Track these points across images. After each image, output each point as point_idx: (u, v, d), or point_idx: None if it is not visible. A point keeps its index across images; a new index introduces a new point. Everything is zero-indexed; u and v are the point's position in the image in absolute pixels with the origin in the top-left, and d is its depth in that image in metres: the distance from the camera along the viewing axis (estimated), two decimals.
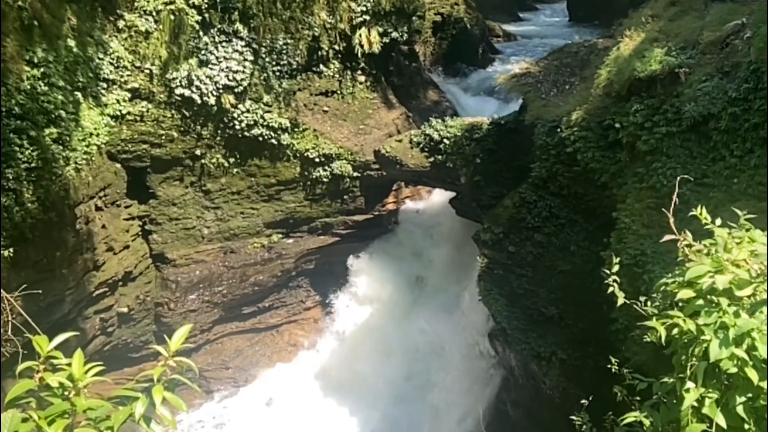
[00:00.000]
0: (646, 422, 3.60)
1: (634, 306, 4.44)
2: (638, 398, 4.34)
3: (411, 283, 24.25)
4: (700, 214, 3.86)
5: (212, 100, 19.09)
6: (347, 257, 23.93)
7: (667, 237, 3.94)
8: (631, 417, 3.72)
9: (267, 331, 23.58)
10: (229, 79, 19.16)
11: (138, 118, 18.47)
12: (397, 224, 24.56)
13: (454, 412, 19.91)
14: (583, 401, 6.02)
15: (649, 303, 4.36)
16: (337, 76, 21.75)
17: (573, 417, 5.77)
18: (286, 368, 23.51)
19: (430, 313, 23.15)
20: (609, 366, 5.99)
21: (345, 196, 22.12)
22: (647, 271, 12.33)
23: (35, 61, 15.43)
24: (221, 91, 19.15)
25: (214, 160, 20.06)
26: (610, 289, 4.65)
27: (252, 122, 19.88)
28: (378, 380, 22.80)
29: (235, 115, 19.63)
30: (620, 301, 4.51)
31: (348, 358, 23.33)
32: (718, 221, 3.84)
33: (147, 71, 18.36)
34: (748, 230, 3.74)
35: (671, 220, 3.93)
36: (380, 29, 21.65)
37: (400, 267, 24.14)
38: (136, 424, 3.09)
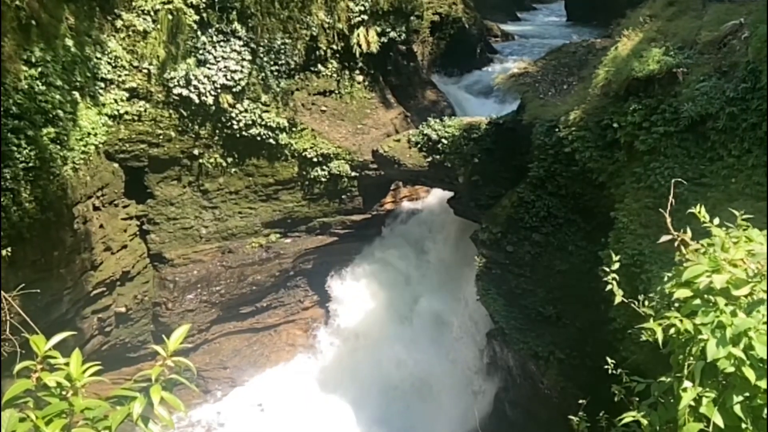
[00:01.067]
0: (644, 422, 3.61)
1: (632, 306, 4.45)
2: (636, 398, 4.34)
3: (396, 313, 23.27)
4: (699, 212, 3.86)
5: (210, 100, 19.08)
6: (332, 269, 23.49)
7: (664, 237, 3.95)
8: (628, 417, 3.73)
9: (265, 331, 23.54)
10: (227, 79, 19.14)
11: (136, 118, 18.46)
12: (381, 236, 23.92)
13: None
14: (581, 401, 6.02)
15: (646, 303, 4.37)
16: (335, 75, 21.74)
17: (571, 417, 5.77)
18: (284, 368, 23.47)
19: (414, 344, 22.19)
20: (607, 366, 6.00)
21: (343, 196, 22.10)
22: (645, 271, 12.35)
23: (33, 60, 15.43)
24: (219, 90, 19.13)
25: (212, 160, 20.05)
26: (608, 287, 4.65)
27: (250, 122, 19.87)
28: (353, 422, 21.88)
29: (233, 114, 19.62)
30: (618, 299, 4.52)
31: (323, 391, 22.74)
32: (716, 221, 3.85)
33: (145, 71, 18.36)
34: (745, 230, 3.75)
35: (668, 221, 3.93)
36: (378, 29, 21.64)
37: (384, 292, 23.28)
38: (134, 424, 3.09)
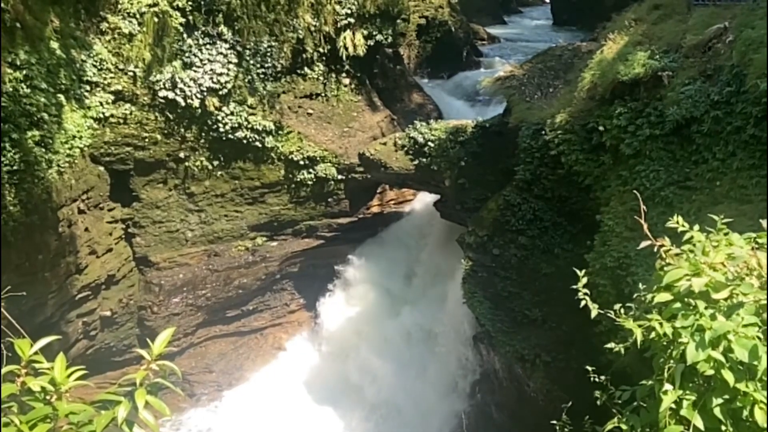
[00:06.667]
0: (625, 427, 3.63)
1: (607, 315, 4.49)
2: (619, 401, 4.37)
3: (383, 315, 23.03)
4: (677, 222, 3.89)
5: (196, 103, 19.05)
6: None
7: (643, 243, 3.99)
8: (611, 424, 3.75)
9: (251, 335, 23.49)
10: (213, 82, 19.12)
11: (121, 121, 18.41)
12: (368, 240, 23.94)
13: None
14: (564, 404, 6.05)
15: (626, 309, 4.40)
16: (321, 78, 21.74)
17: (554, 422, 5.80)
18: (269, 372, 23.41)
19: (401, 344, 22.02)
20: (592, 368, 6.04)
21: (329, 199, 22.11)
22: (631, 274, 12.38)
23: (18, 63, 15.36)
24: (205, 93, 19.11)
25: (197, 163, 20.01)
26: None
27: (236, 125, 19.85)
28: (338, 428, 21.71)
29: (219, 117, 19.59)
30: (594, 313, 4.57)
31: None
32: (696, 226, 3.88)
33: (130, 73, 18.31)
34: (726, 234, 3.78)
35: (645, 227, 3.97)
36: (365, 32, 21.67)
37: (371, 294, 23.31)
38: (119, 428, 3.09)
